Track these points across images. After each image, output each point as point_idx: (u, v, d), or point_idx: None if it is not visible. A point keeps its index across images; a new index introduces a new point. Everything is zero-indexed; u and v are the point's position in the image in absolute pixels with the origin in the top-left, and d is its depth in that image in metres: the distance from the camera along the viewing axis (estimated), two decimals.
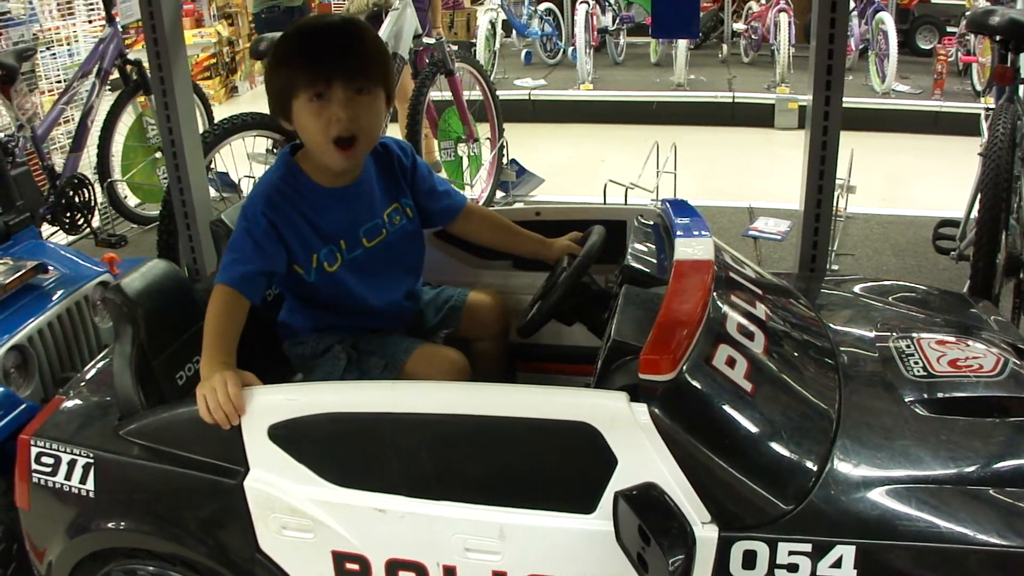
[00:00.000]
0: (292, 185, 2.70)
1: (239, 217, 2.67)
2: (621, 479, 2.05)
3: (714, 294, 2.37)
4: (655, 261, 2.69)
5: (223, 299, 2.53)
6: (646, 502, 1.97)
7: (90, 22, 7.51)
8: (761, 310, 2.54)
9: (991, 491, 2.08)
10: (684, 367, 2.11)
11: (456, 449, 2.22)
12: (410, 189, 2.92)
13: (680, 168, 6.25)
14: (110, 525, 2.54)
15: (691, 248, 2.55)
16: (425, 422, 2.20)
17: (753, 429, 2.15)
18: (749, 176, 8.22)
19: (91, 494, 2.53)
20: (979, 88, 9.92)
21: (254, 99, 12.24)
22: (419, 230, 2.95)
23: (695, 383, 2.13)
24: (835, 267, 5.65)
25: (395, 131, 5.94)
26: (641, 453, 2.03)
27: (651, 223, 2.95)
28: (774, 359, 2.37)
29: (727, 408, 2.15)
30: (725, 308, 2.41)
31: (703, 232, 2.66)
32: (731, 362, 2.23)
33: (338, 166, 2.67)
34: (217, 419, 2.29)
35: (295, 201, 2.68)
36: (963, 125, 8.76)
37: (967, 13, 10.15)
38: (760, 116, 10.02)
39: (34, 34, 6.90)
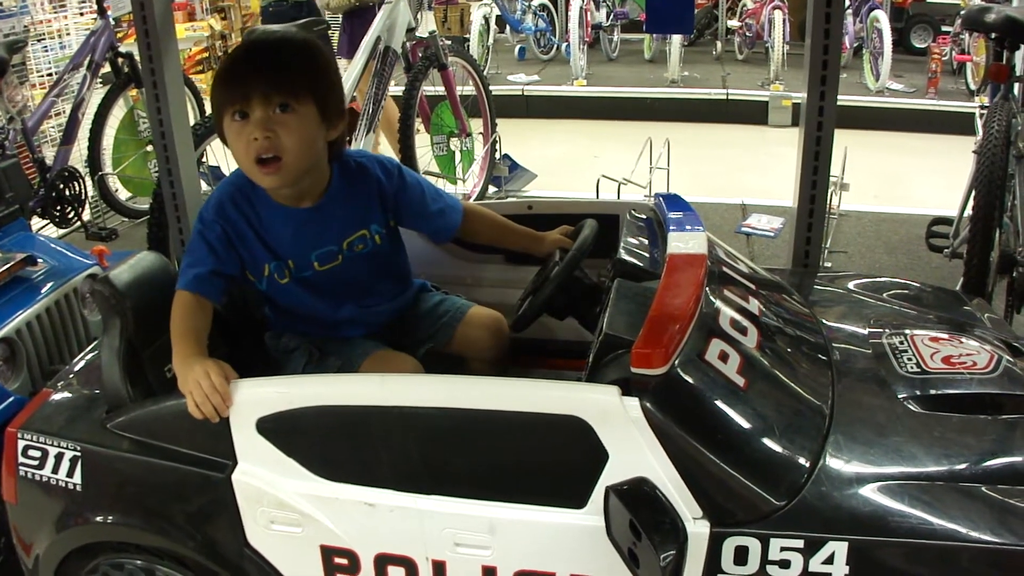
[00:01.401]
0: (247, 197, 2.67)
1: (196, 219, 2.67)
2: (612, 474, 2.04)
3: (707, 288, 2.36)
4: (648, 255, 2.68)
5: (182, 302, 2.54)
6: (637, 497, 1.96)
7: (81, 15, 7.49)
8: (754, 305, 2.53)
9: (984, 488, 2.07)
10: (676, 361, 2.09)
11: (446, 443, 2.21)
12: (395, 214, 2.87)
13: (673, 164, 6.24)
14: (98, 519, 2.52)
15: (684, 242, 2.54)
16: (415, 416, 2.19)
17: (746, 424, 2.14)
18: (742, 173, 8.22)
19: (78, 487, 2.52)
20: (973, 87, 9.93)
21: None
22: (389, 252, 2.89)
23: (687, 377, 2.12)
24: (828, 264, 5.64)
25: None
26: (633, 447, 2.02)
27: (644, 217, 2.94)
28: (767, 354, 2.36)
29: (719, 403, 2.14)
30: (718, 303, 2.40)
31: (696, 226, 2.65)
32: (724, 357, 2.22)
33: (265, 185, 2.61)
34: (207, 413, 2.28)
35: (246, 213, 2.66)
36: (956, 124, 8.80)
37: (963, 12, 10.18)
38: (754, 113, 10.01)
39: (25, 26, 6.87)
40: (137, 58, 6.31)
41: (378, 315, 2.89)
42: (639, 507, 1.93)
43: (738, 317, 2.40)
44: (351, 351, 2.77)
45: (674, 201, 2.84)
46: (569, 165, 8.54)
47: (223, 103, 2.51)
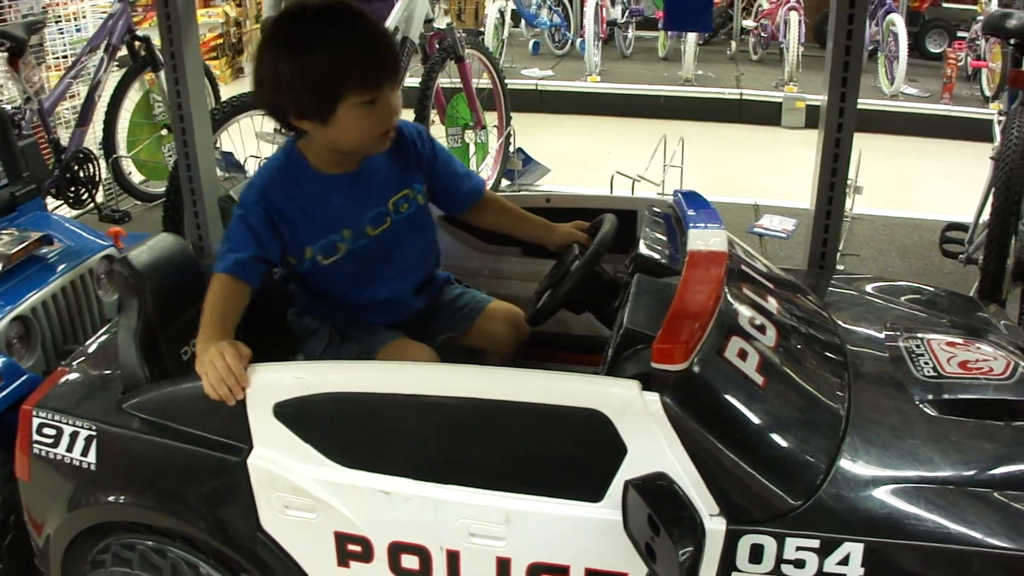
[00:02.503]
0: (291, 176, 2.69)
1: (236, 205, 2.68)
2: (630, 468, 2.04)
3: (727, 286, 2.36)
4: (667, 251, 2.67)
5: (220, 284, 2.53)
6: (656, 491, 1.96)
7: None
8: (772, 304, 2.52)
9: (998, 494, 2.07)
10: (696, 358, 2.09)
11: (464, 433, 2.21)
12: (429, 175, 2.89)
13: (686, 163, 6.24)
14: (110, 499, 2.52)
15: (704, 239, 2.53)
16: (434, 405, 2.19)
17: (763, 422, 2.14)
18: (755, 173, 8.21)
19: (92, 467, 2.52)
20: (988, 93, 9.90)
21: None
22: (428, 219, 2.93)
23: (707, 374, 2.12)
24: (840, 267, 5.63)
25: None
26: (652, 442, 2.02)
27: (663, 213, 2.94)
28: (785, 354, 2.36)
29: (738, 400, 2.14)
30: (737, 301, 2.40)
31: (716, 224, 2.64)
32: (743, 355, 2.22)
33: (382, 149, 2.68)
34: (221, 394, 2.28)
35: (291, 193, 2.67)
36: (971, 130, 8.78)
37: (979, 17, 10.16)
38: (767, 114, 10.00)
39: (43, 7, 6.87)
40: (154, 42, 6.35)
41: (408, 300, 2.91)
42: (658, 502, 1.92)
43: (757, 316, 2.40)
44: (372, 338, 2.77)
45: (693, 198, 2.84)
46: (582, 160, 8.53)
47: (351, 90, 2.51)
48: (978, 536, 1.97)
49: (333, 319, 2.84)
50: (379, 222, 2.77)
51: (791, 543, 2.00)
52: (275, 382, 2.30)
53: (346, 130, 2.56)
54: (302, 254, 2.71)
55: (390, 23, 6.19)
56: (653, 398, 2.02)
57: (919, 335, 2.66)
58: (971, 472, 2.13)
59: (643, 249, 2.64)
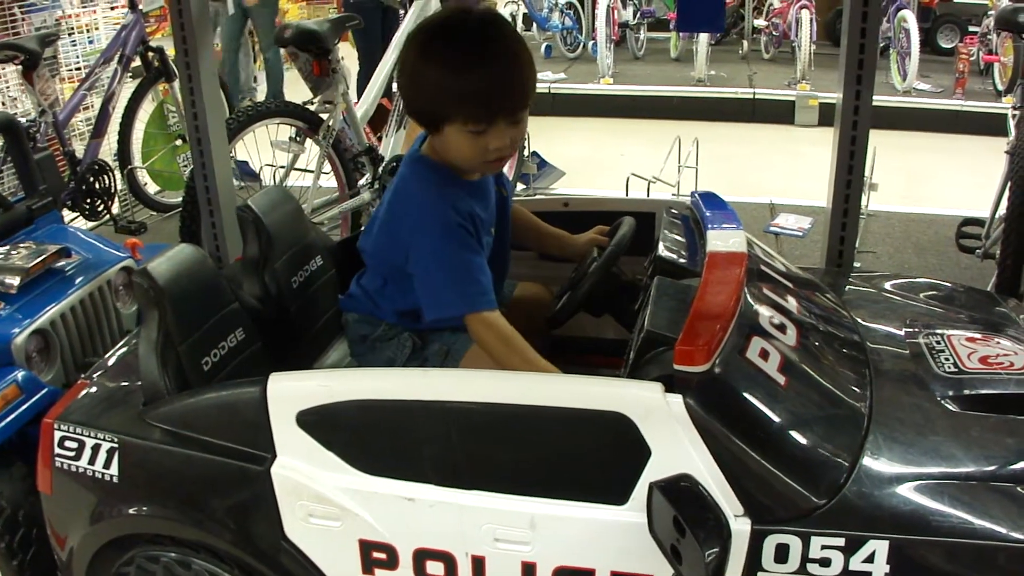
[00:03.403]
0: (451, 182, 2.64)
1: (432, 244, 2.58)
2: (654, 470, 2.03)
3: (747, 287, 2.36)
4: (686, 253, 2.67)
5: (503, 322, 2.54)
6: (681, 493, 1.95)
7: (112, 8, 7.50)
8: (792, 304, 2.53)
9: (1020, 488, 2.06)
10: (718, 359, 2.09)
11: (487, 438, 2.20)
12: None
13: (700, 163, 6.24)
14: (133, 511, 2.52)
15: (724, 240, 2.54)
16: (456, 410, 2.18)
17: (786, 422, 2.14)
18: (769, 172, 8.20)
19: (115, 479, 2.51)
20: (1000, 88, 9.87)
21: None
22: (508, 208, 2.94)
23: (729, 375, 2.12)
24: (857, 264, 5.62)
25: None
26: (675, 444, 2.02)
27: (681, 215, 2.93)
28: (806, 353, 2.36)
29: (761, 401, 2.14)
30: (757, 301, 2.40)
31: (735, 225, 2.64)
32: (764, 355, 2.22)
33: (484, 173, 2.68)
34: None
35: (462, 196, 2.63)
36: (984, 125, 8.79)
37: (990, 11, 10.13)
38: (780, 113, 10.00)
39: (56, 20, 6.90)
40: (168, 52, 6.36)
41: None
42: (684, 503, 1.92)
43: (777, 316, 2.40)
44: (454, 339, 2.77)
45: (711, 199, 2.84)
46: (596, 163, 8.53)
47: (456, 116, 2.49)
48: (1003, 531, 1.96)
49: (414, 327, 2.81)
50: (491, 222, 2.77)
51: (816, 542, 2.00)
52: (298, 391, 2.30)
53: (451, 147, 2.57)
54: None
55: (403, 29, 6.20)
56: (676, 400, 2.02)
57: (939, 331, 2.66)
58: (994, 467, 2.12)
59: (662, 251, 2.65)
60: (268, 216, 2.88)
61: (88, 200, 6.24)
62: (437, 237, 2.55)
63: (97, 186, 6.25)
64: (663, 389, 2.03)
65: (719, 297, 2.24)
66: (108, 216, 6.40)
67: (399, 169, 2.77)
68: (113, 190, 6.39)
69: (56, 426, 2.60)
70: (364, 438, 2.28)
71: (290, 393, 2.30)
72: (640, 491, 2.03)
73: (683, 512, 1.90)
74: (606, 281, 2.69)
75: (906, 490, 2.06)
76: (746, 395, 2.13)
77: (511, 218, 3.01)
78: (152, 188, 7.03)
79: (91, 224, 6.35)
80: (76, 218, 6.23)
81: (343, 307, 2.94)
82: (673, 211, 2.96)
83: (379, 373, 2.52)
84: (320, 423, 2.28)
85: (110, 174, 6.34)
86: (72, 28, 7.12)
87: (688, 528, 1.87)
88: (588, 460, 2.14)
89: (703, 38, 10.67)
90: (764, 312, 2.38)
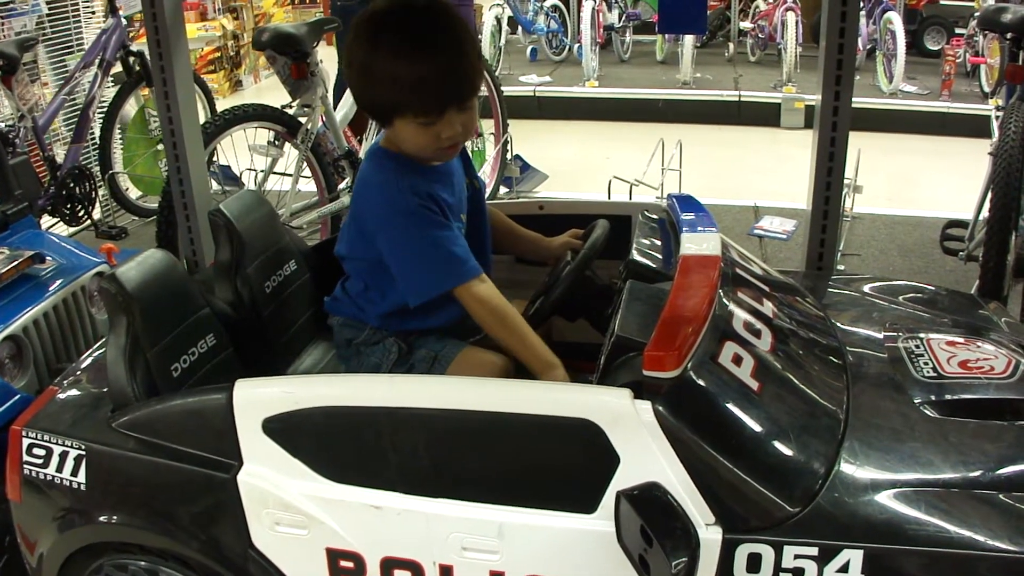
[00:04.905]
0: (409, 169, 2.62)
1: (397, 232, 2.59)
2: (623, 478, 2.01)
3: (720, 290, 2.34)
4: (660, 256, 2.66)
5: (494, 291, 2.56)
6: (649, 502, 1.94)
7: (92, 13, 7.47)
8: (768, 308, 2.50)
9: (1001, 495, 2.04)
10: (689, 364, 2.07)
11: (455, 445, 2.18)
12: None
13: (685, 166, 6.23)
14: (102, 519, 2.50)
15: (697, 243, 2.52)
16: (423, 417, 2.16)
17: (759, 429, 2.12)
18: (754, 175, 8.19)
19: (82, 487, 2.49)
20: (987, 89, 9.88)
21: (258, 93, 12.17)
22: (483, 202, 2.91)
23: (700, 381, 2.10)
24: (841, 267, 5.62)
25: None
26: (644, 452, 2.00)
27: (657, 218, 2.91)
28: (781, 358, 2.34)
29: (733, 407, 2.12)
30: (732, 305, 2.38)
31: (710, 228, 2.62)
32: (737, 360, 2.20)
33: (440, 161, 2.65)
34: None
35: (420, 181, 2.61)
36: (970, 127, 8.77)
37: (977, 13, 10.14)
38: (766, 115, 9.99)
39: (37, 24, 6.87)
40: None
41: None
42: (651, 512, 1.90)
43: (752, 320, 2.38)
44: (442, 345, 2.73)
45: (687, 202, 2.82)
46: (580, 166, 8.52)
47: (406, 109, 2.49)
48: (982, 540, 1.95)
49: (399, 329, 2.78)
50: (462, 208, 2.76)
51: (789, 551, 1.98)
52: (263, 397, 2.28)
53: (404, 138, 2.58)
54: None
55: None
56: (645, 407, 1.99)
57: (919, 335, 2.64)
58: (974, 474, 2.11)
59: (636, 255, 2.62)
60: (240, 220, 2.85)
61: (68, 205, 6.20)
62: (401, 224, 2.56)
63: (77, 191, 6.22)
64: (632, 395, 2.00)
65: (691, 301, 2.22)
66: (89, 221, 6.36)
67: (361, 164, 2.75)
68: (94, 195, 6.35)
69: (24, 433, 2.58)
70: (331, 446, 2.26)
71: (256, 400, 2.27)
72: (609, 499, 2.01)
73: (650, 521, 1.88)
74: (580, 285, 2.67)
75: (883, 497, 2.04)
76: (717, 401, 2.11)
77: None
78: (134, 193, 6.99)
79: (72, 230, 6.33)
80: (57, 223, 6.21)
81: (328, 310, 2.90)
82: (648, 214, 2.93)
83: (345, 379, 2.50)
84: (286, 430, 2.26)
85: (91, 179, 6.31)
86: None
87: (655, 537, 1.85)
88: (556, 468, 2.12)
89: (688, 41, 10.68)
90: (738, 316, 2.35)
